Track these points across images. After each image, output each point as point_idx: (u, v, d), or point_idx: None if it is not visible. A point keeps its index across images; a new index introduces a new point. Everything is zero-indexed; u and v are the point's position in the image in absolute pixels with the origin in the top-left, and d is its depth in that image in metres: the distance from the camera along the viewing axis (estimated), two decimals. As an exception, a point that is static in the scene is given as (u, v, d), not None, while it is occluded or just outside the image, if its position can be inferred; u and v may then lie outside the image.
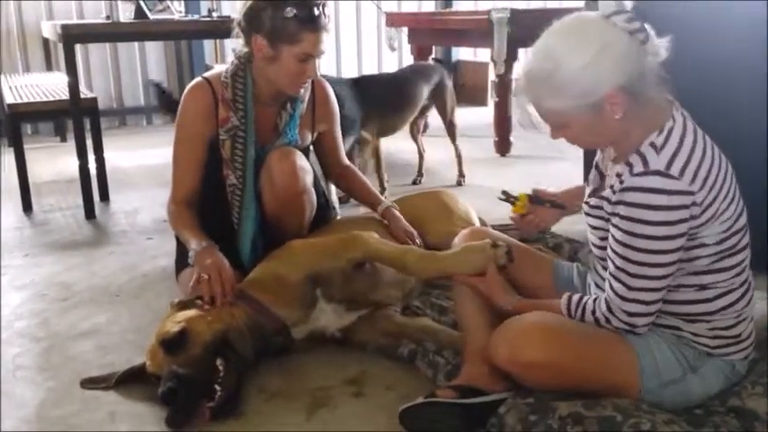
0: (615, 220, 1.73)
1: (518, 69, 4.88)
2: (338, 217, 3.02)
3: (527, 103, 1.78)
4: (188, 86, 2.65)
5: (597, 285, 1.96)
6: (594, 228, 1.86)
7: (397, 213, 2.69)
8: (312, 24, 2.42)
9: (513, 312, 1.94)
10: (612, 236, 1.75)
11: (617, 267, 1.73)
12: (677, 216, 1.65)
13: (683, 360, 1.80)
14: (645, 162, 1.68)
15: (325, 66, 7.52)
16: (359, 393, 2.11)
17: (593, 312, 1.80)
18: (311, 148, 2.83)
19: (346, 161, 2.93)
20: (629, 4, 1.70)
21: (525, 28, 4.66)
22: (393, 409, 1.93)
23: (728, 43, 2.61)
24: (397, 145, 5.53)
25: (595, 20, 1.71)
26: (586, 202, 1.88)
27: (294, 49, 2.43)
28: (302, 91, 2.64)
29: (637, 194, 1.67)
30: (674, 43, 1.70)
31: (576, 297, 1.86)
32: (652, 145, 1.69)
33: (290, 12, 2.39)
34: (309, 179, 2.61)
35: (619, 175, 1.73)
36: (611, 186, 1.75)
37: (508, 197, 2.16)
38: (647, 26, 1.68)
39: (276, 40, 2.43)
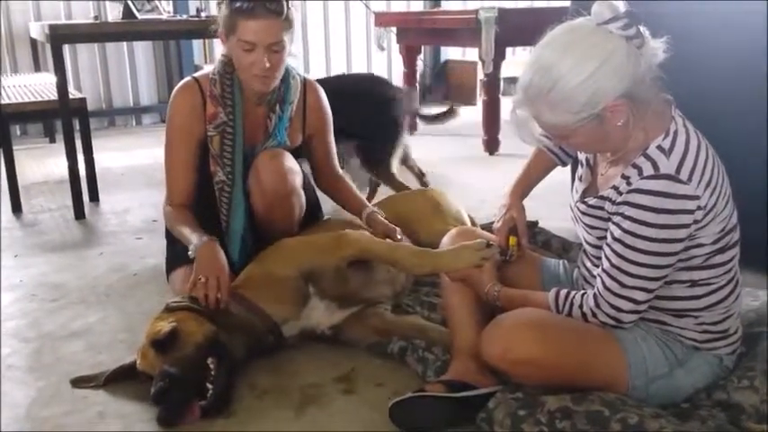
0: (617, 219, 1.73)
1: (506, 70, 4.94)
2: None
3: (528, 118, 1.75)
4: (176, 87, 2.64)
5: (586, 280, 1.98)
6: (592, 227, 1.87)
7: (379, 218, 2.61)
8: (245, 11, 2.38)
9: (502, 309, 1.95)
10: (611, 233, 1.75)
11: (612, 265, 1.74)
12: (681, 220, 1.66)
13: (670, 355, 1.82)
14: (655, 165, 1.68)
15: (315, 66, 7.53)
16: (349, 390, 2.12)
17: (581, 307, 1.81)
18: (302, 149, 2.80)
19: (338, 170, 2.85)
20: (622, 5, 1.67)
21: (513, 27, 4.70)
22: (383, 405, 1.94)
23: (727, 42, 2.61)
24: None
25: (591, 31, 1.66)
26: (583, 202, 1.88)
27: (235, 39, 2.42)
28: (293, 92, 2.62)
29: (644, 197, 1.67)
30: (671, 42, 1.69)
31: (563, 292, 1.87)
32: (660, 148, 1.70)
33: (227, 1, 2.41)
34: (298, 180, 2.60)
35: (626, 177, 1.73)
36: (616, 188, 1.76)
37: (505, 254, 2.13)
38: (642, 28, 1.66)
39: (227, 32, 2.46)
